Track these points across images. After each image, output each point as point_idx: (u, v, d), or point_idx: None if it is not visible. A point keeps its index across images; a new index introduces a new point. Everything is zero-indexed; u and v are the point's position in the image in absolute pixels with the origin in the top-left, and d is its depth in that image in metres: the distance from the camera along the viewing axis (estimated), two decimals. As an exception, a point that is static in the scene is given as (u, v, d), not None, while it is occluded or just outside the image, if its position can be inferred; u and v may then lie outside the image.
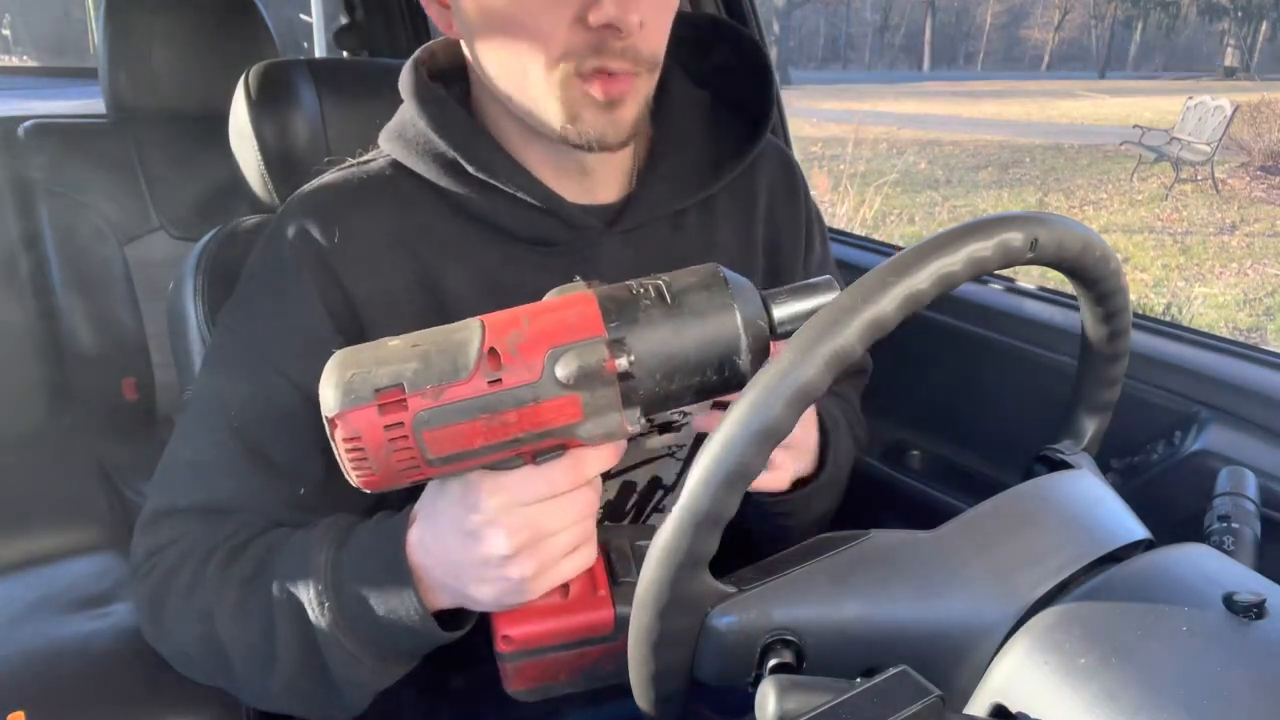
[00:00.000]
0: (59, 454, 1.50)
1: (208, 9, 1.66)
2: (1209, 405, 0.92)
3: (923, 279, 0.46)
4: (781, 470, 0.73)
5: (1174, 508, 0.78)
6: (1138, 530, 0.55)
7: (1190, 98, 9.34)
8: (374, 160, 0.75)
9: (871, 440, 1.02)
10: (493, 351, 0.49)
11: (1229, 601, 0.45)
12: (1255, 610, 0.44)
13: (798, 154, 1.03)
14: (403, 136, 0.72)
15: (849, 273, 1.33)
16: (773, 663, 0.49)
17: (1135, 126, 9.27)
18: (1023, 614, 0.49)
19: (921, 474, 1.19)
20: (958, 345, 1.16)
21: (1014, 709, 0.44)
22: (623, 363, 0.50)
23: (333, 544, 0.60)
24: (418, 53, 0.75)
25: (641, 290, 0.52)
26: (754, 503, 0.76)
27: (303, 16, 3.70)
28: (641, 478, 0.80)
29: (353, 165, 0.75)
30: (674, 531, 0.46)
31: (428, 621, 0.57)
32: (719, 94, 0.82)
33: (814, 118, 13.74)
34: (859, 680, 0.41)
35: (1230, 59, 33.48)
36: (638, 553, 0.59)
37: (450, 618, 0.60)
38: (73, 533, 1.21)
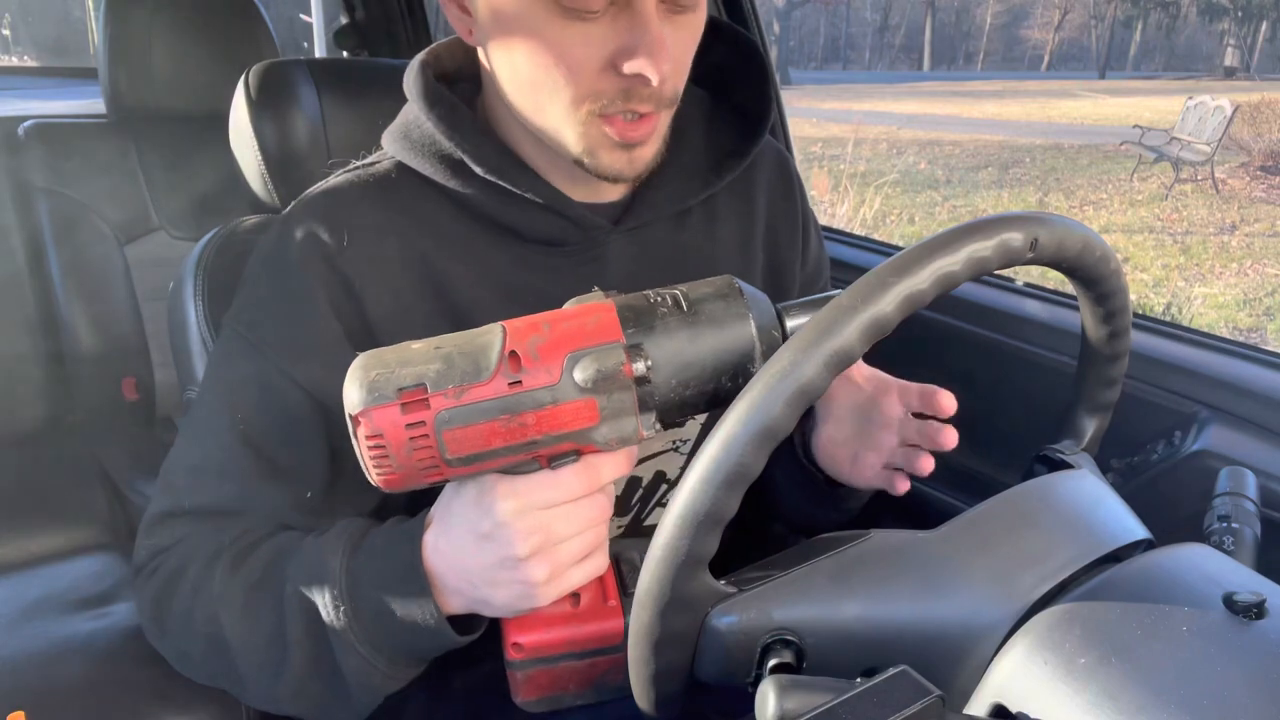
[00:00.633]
0: (59, 454, 1.50)
1: (207, 9, 1.66)
2: (1209, 405, 0.92)
3: (923, 279, 0.46)
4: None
5: (1174, 508, 0.78)
6: (1138, 530, 0.55)
7: (1190, 98, 9.33)
8: (379, 162, 0.75)
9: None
10: (514, 354, 0.50)
11: (1229, 601, 0.45)
12: (1255, 610, 0.44)
13: (798, 154, 1.03)
14: (408, 138, 0.72)
15: (849, 273, 1.33)
16: (773, 662, 0.49)
17: (1135, 126, 9.27)
18: (1023, 614, 0.49)
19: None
20: (958, 345, 1.16)
21: (1014, 709, 0.44)
22: (640, 367, 0.51)
23: (347, 548, 0.60)
24: (423, 54, 0.75)
25: (659, 299, 0.53)
26: (827, 494, 0.77)
27: (303, 16, 3.70)
28: (646, 472, 0.80)
29: (357, 168, 0.75)
30: (674, 532, 0.46)
31: (443, 626, 0.57)
32: (719, 94, 0.82)
33: (814, 118, 13.76)
34: (859, 680, 0.41)
35: (1230, 59, 33.52)
36: None
37: (462, 622, 0.60)
38: (73, 533, 1.21)
